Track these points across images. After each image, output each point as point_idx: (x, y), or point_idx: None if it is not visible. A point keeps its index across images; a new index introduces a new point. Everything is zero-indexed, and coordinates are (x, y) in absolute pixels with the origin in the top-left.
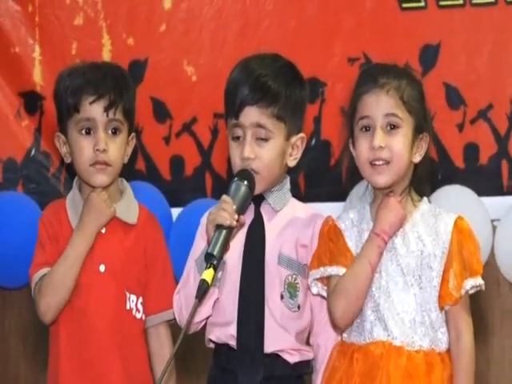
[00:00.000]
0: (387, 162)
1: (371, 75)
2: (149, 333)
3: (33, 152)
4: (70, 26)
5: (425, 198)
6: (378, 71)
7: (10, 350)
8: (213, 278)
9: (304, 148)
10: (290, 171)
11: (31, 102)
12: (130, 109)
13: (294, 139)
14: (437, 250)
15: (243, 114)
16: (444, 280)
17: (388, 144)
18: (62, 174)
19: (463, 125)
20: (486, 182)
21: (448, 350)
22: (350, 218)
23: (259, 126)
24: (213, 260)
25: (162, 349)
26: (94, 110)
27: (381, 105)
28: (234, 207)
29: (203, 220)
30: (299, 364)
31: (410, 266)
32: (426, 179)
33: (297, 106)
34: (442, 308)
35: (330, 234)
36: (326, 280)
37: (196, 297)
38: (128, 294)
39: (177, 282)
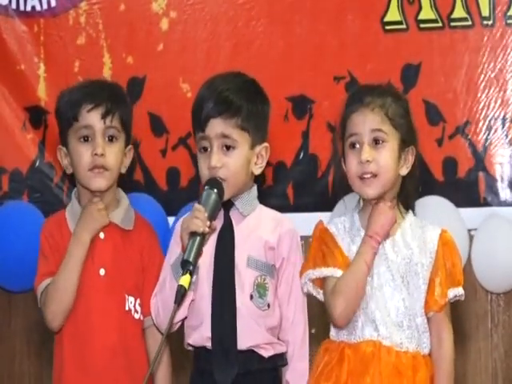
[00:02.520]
0: (375, 175)
1: (358, 96)
2: (146, 333)
3: (37, 163)
4: (72, 46)
5: (410, 211)
6: (364, 92)
7: (15, 349)
8: (189, 284)
9: (292, 161)
10: (280, 183)
11: (36, 116)
12: (127, 120)
13: (258, 148)
14: (423, 259)
15: (209, 126)
16: (430, 288)
17: (375, 158)
18: (65, 184)
19: (442, 140)
20: (463, 194)
21: (430, 354)
22: (343, 223)
23: (224, 136)
24: (189, 266)
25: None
26: (92, 117)
27: (367, 122)
28: (206, 214)
29: (177, 226)
30: (273, 357)
31: (400, 272)
32: (412, 193)
33: (259, 117)
34: (426, 314)
35: (323, 237)
36: (319, 281)
37: (175, 302)
38: (127, 296)
39: None
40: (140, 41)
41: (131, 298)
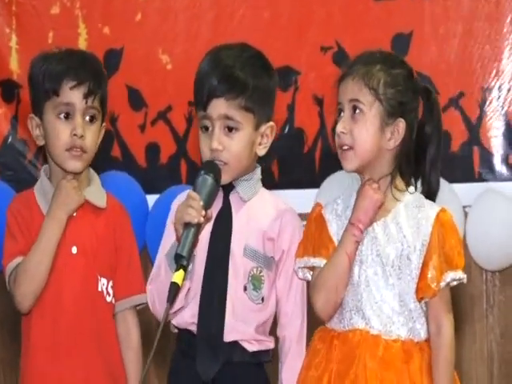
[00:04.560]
0: (350, 148)
1: (350, 62)
2: (116, 319)
3: (10, 139)
4: (46, 16)
5: (410, 189)
6: (357, 59)
7: None
8: (183, 279)
9: (277, 136)
10: (264, 159)
11: (8, 90)
12: (105, 98)
13: (263, 128)
14: (417, 242)
15: (211, 106)
16: (422, 272)
17: (350, 129)
18: (39, 161)
19: None
20: (457, 169)
21: (427, 340)
22: (335, 208)
23: (227, 117)
24: (182, 261)
25: (129, 335)
26: (74, 95)
27: (347, 91)
28: (201, 203)
29: (173, 207)
30: (258, 352)
31: (390, 257)
32: (410, 165)
33: (265, 95)
34: (419, 300)
35: (316, 223)
36: (311, 268)
37: (167, 301)
38: (99, 277)
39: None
40: (117, 10)
41: (104, 280)
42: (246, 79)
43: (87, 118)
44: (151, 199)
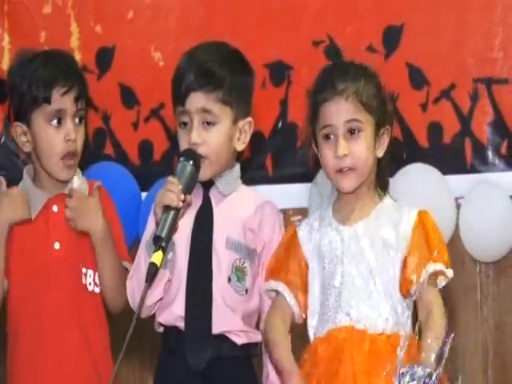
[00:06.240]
0: (352, 168)
1: (330, 80)
2: None
3: (2, 139)
4: (38, 15)
5: (389, 194)
6: (337, 75)
7: None
8: (162, 260)
9: (271, 131)
10: (258, 154)
11: (0, 90)
12: (87, 95)
13: (241, 123)
14: (399, 239)
15: (189, 100)
16: (404, 268)
17: (351, 151)
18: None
19: (426, 104)
20: (450, 161)
21: (412, 334)
22: (314, 222)
23: (205, 111)
24: (161, 242)
25: None
26: (65, 100)
27: (341, 113)
28: (181, 187)
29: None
30: (246, 346)
31: (373, 254)
32: (385, 173)
33: (242, 90)
34: (404, 296)
35: (289, 243)
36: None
37: (146, 281)
38: (85, 270)
39: None
40: (109, 9)
41: (90, 271)
42: (223, 73)
43: (77, 120)
44: (145, 196)
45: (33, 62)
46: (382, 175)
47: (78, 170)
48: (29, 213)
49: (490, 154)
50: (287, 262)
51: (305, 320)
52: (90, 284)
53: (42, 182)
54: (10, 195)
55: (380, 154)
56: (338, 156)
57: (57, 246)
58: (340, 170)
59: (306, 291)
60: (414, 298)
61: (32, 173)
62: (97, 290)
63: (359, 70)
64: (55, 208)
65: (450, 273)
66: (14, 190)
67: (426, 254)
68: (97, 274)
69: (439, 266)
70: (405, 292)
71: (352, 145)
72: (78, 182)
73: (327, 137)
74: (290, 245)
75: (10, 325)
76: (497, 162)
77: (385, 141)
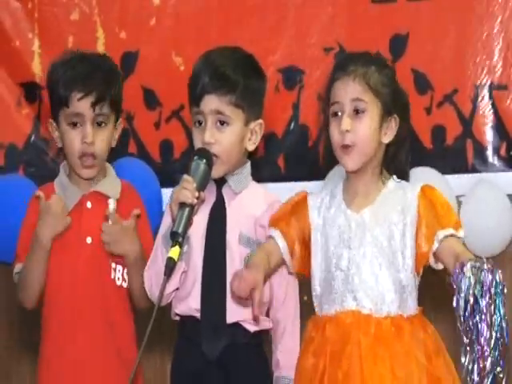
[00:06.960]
0: (353, 145)
1: (342, 64)
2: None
3: (33, 138)
4: (66, 21)
5: (393, 177)
6: (349, 60)
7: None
8: (179, 255)
9: (284, 132)
10: (271, 153)
11: (31, 91)
12: (118, 100)
13: (252, 125)
14: (406, 218)
15: (203, 101)
16: (416, 243)
17: (354, 128)
18: (60, 158)
19: (431, 108)
20: (452, 161)
21: (416, 315)
22: (324, 198)
23: (218, 112)
24: (178, 238)
25: None
26: (82, 105)
27: (348, 91)
28: (195, 185)
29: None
30: (259, 332)
31: (379, 239)
32: (401, 159)
33: (254, 94)
34: (418, 273)
35: (297, 204)
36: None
37: (164, 274)
38: (114, 265)
39: None
40: (133, 16)
41: (119, 267)
42: (236, 77)
43: (96, 123)
44: (166, 192)
45: (66, 63)
46: (393, 160)
47: (111, 170)
48: (68, 219)
49: (489, 154)
50: (290, 217)
51: (302, 277)
52: (118, 279)
53: (75, 179)
54: (49, 209)
55: (385, 140)
56: (341, 131)
57: (89, 240)
58: (343, 146)
59: (306, 247)
60: (438, 267)
61: (67, 169)
62: (125, 284)
63: (373, 58)
64: (89, 204)
65: (461, 233)
66: (53, 201)
67: (434, 222)
68: (125, 270)
69: (449, 231)
70: (419, 268)
71: (356, 123)
72: (108, 180)
73: (335, 114)
74: (298, 206)
75: (43, 314)
76: (496, 162)
77: (392, 128)
